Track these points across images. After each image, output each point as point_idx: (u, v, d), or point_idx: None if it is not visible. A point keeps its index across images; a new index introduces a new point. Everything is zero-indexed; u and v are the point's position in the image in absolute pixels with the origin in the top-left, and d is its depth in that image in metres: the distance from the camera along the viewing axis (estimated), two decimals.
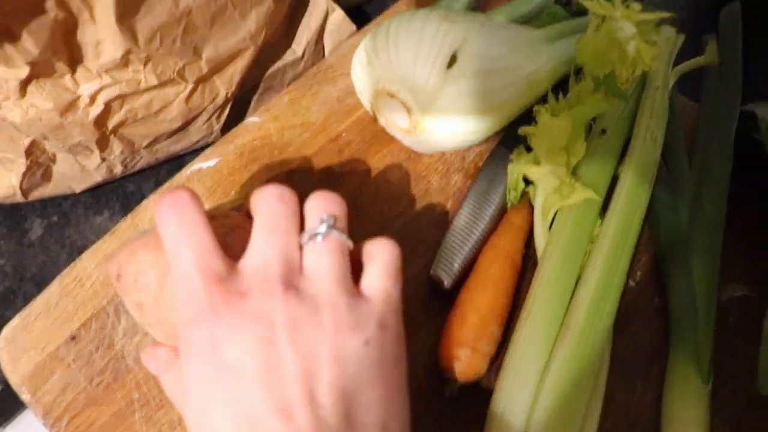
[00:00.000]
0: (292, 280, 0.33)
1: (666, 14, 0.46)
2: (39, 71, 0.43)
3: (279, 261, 0.33)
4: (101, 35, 0.43)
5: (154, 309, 0.36)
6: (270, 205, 0.35)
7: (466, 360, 0.43)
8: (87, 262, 0.49)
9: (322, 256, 0.34)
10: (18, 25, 0.40)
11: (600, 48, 0.46)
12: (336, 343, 0.32)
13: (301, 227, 0.36)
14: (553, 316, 0.43)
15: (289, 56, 0.57)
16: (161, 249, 0.35)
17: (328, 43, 0.60)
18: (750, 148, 0.52)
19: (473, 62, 0.43)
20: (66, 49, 0.43)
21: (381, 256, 0.36)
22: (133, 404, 0.44)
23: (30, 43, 0.41)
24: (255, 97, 0.57)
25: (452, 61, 0.43)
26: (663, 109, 0.49)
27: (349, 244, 0.35)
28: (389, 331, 0.34)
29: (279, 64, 0.56)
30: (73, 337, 0.46)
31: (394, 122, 0.47)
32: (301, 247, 0.34)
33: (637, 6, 0.47)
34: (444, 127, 0.45)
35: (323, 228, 0.34)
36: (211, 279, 0.32)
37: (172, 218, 0.33)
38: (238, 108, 0.56)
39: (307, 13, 0.57)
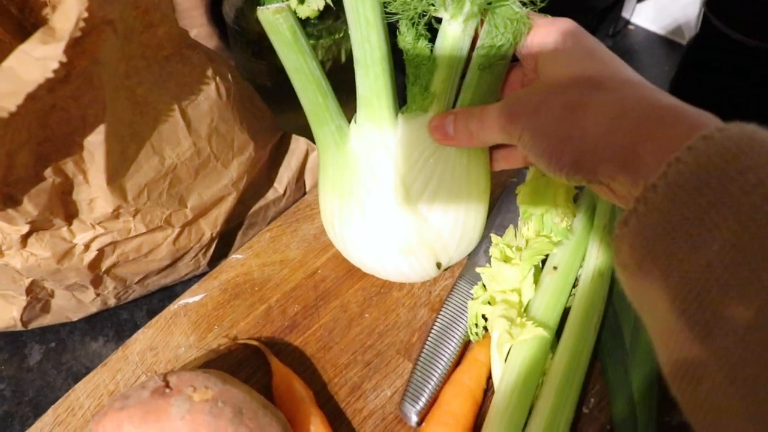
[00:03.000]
0: None
1: None
2: (38, 226, 0.48)
3: None
4: (94, 194, 0.48)
5: None
6: None
7: None
8: (80, 392, 0.53)
9: None
10: (19, 192, 0.45)
11: (537, 191, 0.51)
12: None
13: None
14: None
15: (271, 194, 0.61)
16: (148, 422, 0.39)
17: (308, 179, 0.64)
18: None
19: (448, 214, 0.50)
20: (62, 207, 0.48)
21: None
22: None
23: (30, 207, 0.45)
24: (240, 232, 0.61)
25: None
26: (609, 246, 0.53)
27: None
28: None
29: (262, 202, 0.61)
30: None
31: None
32: None
33: None
34: None
35: None
36: None
37: None
38: (224, 242, 0.61)
39: (288, 154, 0.62)
